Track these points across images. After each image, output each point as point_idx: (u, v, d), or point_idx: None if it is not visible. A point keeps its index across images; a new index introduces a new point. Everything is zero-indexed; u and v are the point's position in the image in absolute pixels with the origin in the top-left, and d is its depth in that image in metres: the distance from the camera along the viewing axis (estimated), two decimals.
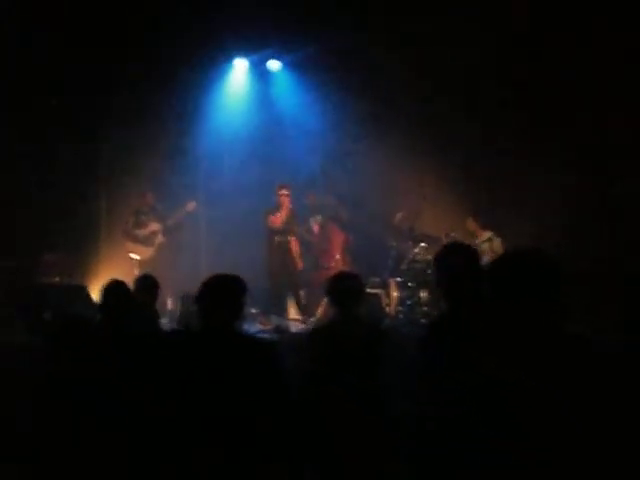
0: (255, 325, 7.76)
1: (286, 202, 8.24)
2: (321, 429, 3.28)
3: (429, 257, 8.26)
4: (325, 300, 6.87)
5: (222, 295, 3.18)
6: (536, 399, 2.03)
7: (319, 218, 8.82)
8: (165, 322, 7.62)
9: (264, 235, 8.50)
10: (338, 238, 8.78)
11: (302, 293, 8.56)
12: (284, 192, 8.25)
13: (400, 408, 3.12)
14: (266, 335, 7.02)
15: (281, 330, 7.47)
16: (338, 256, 8.72)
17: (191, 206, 8.94)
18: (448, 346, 2.62)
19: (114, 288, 4.07)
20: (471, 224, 8.34)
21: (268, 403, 2.96)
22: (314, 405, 3.37)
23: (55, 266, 8.60)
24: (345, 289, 4.02)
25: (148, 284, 5.19)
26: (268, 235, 8.40)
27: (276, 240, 8.34)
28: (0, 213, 8.42)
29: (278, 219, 8.27)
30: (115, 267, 8.39)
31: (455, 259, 3.11)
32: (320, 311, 7.75)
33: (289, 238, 8.40)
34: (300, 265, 8.55)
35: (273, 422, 2.90)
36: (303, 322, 8.04)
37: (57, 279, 8.44)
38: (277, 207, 8.30)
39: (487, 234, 8.15)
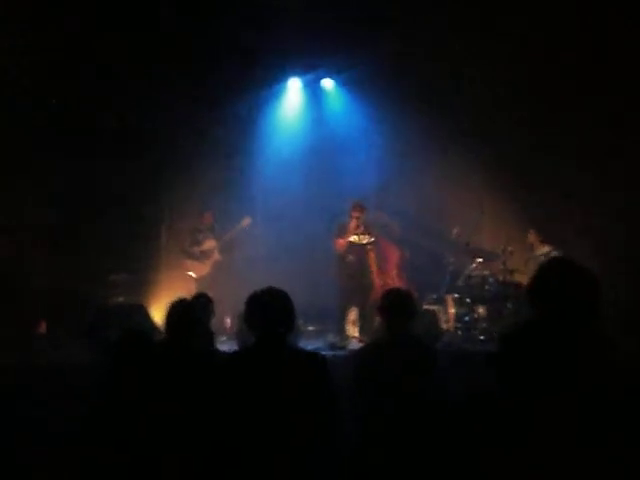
0: (311, 342, 7.78)
1: (354, 224, 8.05)
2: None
3: (486, 272, 8.19)
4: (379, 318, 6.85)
5: (270, 309, 3.21)
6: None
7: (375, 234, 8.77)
8: (223, 339, 7.74)
9: (322, 252, 8.51)
10: (393, 255, 8.74)
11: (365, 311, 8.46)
12: (355, 214, 8.06)
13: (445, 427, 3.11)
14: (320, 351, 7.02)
15: (335, 347, 7.48)
16: (394, 273, 8.69)
17: (246, 222, 9.08)
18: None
19: (181, 307, 4.14)
20: (532, 236, 8.22)
21: (318, 411, 2.98)
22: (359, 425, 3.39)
23: (119, 287, 8.86)
24: (395, 306, 4.02)
25: (202, 302, 5.27)
26: (338, 255, 8.24)
27: (348, 257, 8.14)
28: (66, 236, 8.73)
29: (342, 243, 8.10)
30: (174, 286, 8.56)
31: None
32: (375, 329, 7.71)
33: (363, 256, 8.15)
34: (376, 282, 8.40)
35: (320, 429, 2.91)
36: (361, 341, 8.00)
37: (121, 299, 8.69)
38: (344, 229, 8.13)
39: (546, 248, 8.01)
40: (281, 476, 2.88)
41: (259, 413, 2.98)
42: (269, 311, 3.21)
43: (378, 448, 3.44)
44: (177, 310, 4.20)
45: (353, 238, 8.06)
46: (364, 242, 8.06)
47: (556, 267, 2.54)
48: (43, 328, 8.01)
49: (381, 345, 3.94)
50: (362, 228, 8.12)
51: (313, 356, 3.32)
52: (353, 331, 8.22)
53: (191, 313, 4.24)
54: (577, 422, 2.07)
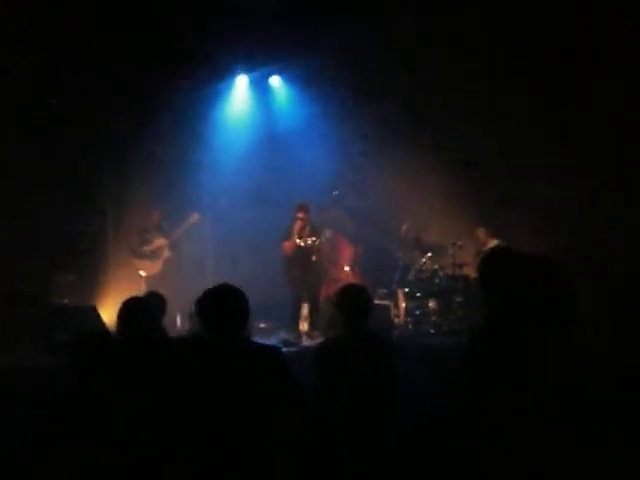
0: (263, 339, 7.74)
1: (298, 226, 8.03)
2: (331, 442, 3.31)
3: (436, 266, 8.30)
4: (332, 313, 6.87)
5: (224, 305, 3.16)
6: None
7: (327, 231, 8.79)
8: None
9: (270, 249, 8.48)
10: (347, 250, 8.79)
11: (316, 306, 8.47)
12: (299, 215, 8.03)
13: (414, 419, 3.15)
14: None
15: (289, 343, 7.48)
16: (347, 268, 8.74)
17: (194, 218, 9.01)
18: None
19: (136, 305, 4.05)
20: (481, 233, 8.33)
21: (281, 405, 2.96)
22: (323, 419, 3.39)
23: (64, 287, 8.65)
24: (353, 302, 4.03)
25: (155, 300, 5.19)
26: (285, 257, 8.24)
27: (295, 255, 8.13)
28: (7, 235, 8.47)
29: (289, 246, 8.08)
30: (123, 286, 8.42)
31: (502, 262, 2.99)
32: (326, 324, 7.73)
33: (310, 254, 8.14)
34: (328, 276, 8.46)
35: (285, 423, 2.89)
36: (313, 336, 8.01)
37: (66, 300, 8.49)
38: (290, 231, 8.10)
39: (494, 242, 8.16)
40: (249, 472, 2.85)
41: (220, 409, 2.94)
42: (224, 308, 3.16)
43: (340, 442, 3.46)
44: (131, 307, 4.11)
45: (298, 241, 8.04)
46: (309, 243, 8.04)
47: (499, 256, 2.58)
48: None
49: (341, 341, 3.95)
50: (307, 229, 8.11)
51: (270, 349, 3.30)
52: (305, 327, 8.25)
53: (147, 310, 4.16)
54: (531, 416, 2.11)
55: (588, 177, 7.77)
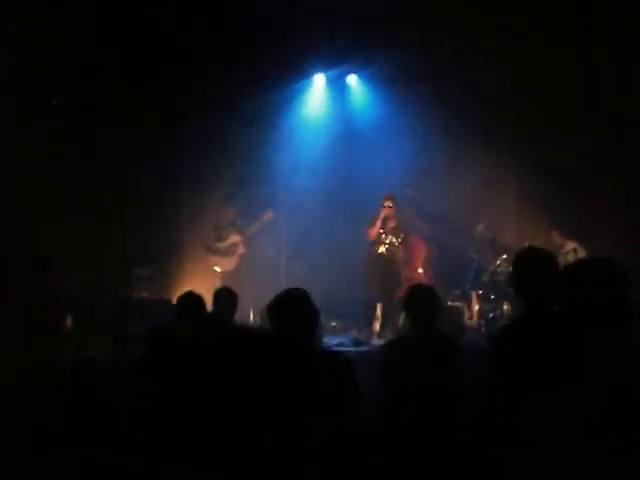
0: (335, 338, 7.76)
1: (385, 212, 8.16)
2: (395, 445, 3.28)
3: (511, 269, 8.10)
4: (403, 314, 6.83)
5: (289, 310, 3.19)
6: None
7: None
8: None
9: (345, 248, 8.50)
10: (421, 251, 8.71)
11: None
12: (386, 204, 8.16)
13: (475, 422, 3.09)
14: (344, 348, 7.02)
15: (360, 342, 7.46)
16: (421, 269, 8.66)
17: (268, 215, 9.09)
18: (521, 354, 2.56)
19: (188, 300, 4.14)
20: (556, 236, 8.14)
21: (341, 416, 2.94)
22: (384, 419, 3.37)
23: (143, 280, 8.91)
24: (421, 303, 4.00)
25: (225, 296, 5.26)
26: (369, 246, 8.32)
27: (376, 251, 8.25)
28: (90, 231, 8.78)
29: (373, 230, 8.20)
30: (199, 281, 8.58)
31: (533, 263, 3.03)
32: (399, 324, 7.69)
33: (392, 249, 8.25)
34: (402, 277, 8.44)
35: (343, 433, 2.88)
36: (384, 337, 7.97)
37: (145, 294, 8.73)
38: (376, 219, 8.23)
39: (572, 244, 7.93)
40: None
41: (281, 417, 2.95)
42: (290, 316, 3.18)
43: (403, 444, 3.43)
44: (184, 303, 4.19)
45: (381, 232, 8.13)
46: (392, 241, 8.16)
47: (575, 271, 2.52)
48: (68, 323, 8.08)
49: (407, 340, 3.92)
50: (393, 222, 8.17)
51: (337, 358, 3.28)
52: (377, 327, 8.22)
53: (198, 306, 4.21)
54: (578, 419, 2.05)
55: None
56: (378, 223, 8.17)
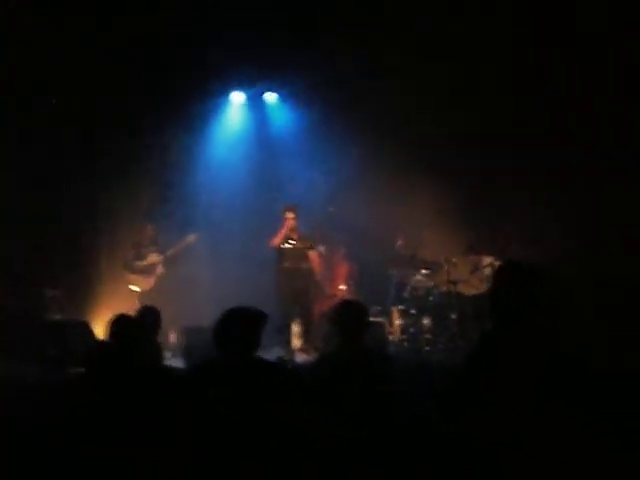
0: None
1: (288, 224, 8.09)
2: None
3: (431, 284, 8.29)
4: (328, 329, 6.84)
5: (241, 327, 3.29)
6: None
7: (322, 248, 8.77)
8: (169, 355, 7.58)
9: (266, 264, 8.45)
10: (342, 268, 8.79)
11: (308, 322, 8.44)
12: (288, 215, 8.09)
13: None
14: None
15: (284, 361, 7.42)
16: (342, 285, 8.73)
17: (191, 239, 8.97)
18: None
19: (123, 322, 4.05)
20: (472, 258, 8.31)
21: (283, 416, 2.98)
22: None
23: (56, 302, 8.61)
24: (350, 317, 4.02)
25: (149, 316, 5.15)
26: (276, 260, 8.21)
27: (285, 265, 8.16)
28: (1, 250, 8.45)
29: (276, 239, 8.09)
30: (116, 301, 8.37)
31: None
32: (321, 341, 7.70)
33: (301, 263, 8.19)
34: (314, 290, 8.45)
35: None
36: (307, 352, 7.97)
37: (58, 316, 8.43)
38: (279, 231, 8.16)
39: (488, 259, 8.15)
40: None
41: (228, 429, 2.95)
42: (242, 330, 3.30)
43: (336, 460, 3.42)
44: (119, 325, 4.10)
45: (289, 242, 8.08)
46: (301, 246, 8.12)
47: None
48: None
49: (337, 356, 3.93)
50: (297, 233, 8.14)
51: (279, 368, 3.33)
52: (298, 343, 8.21)
53: (133, 327, 4.16)
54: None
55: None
56: (282, 232, 8.07)
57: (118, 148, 9.24)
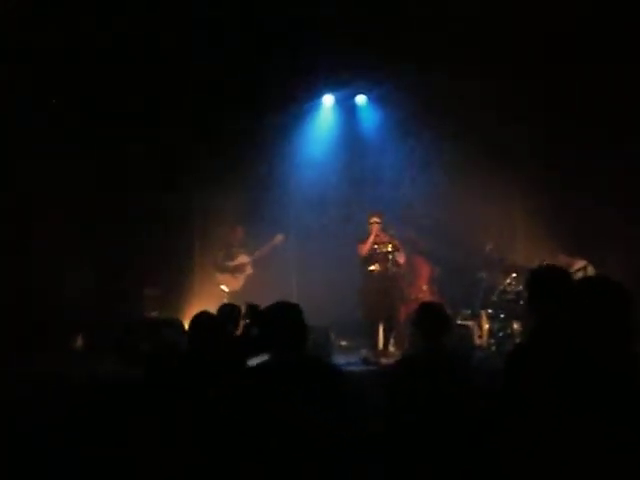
0: (344, 357, 7.74)
1: (375, 229, 8.14)
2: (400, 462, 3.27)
3: (520, 288, 8.10)
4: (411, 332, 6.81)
5: (281, 324, 3.15)
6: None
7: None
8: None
9: (355, 267, 8.50)
10: (424, 270, 8.74)
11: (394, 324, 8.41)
12: (374, 220, 8.17)
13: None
14: (353, 367, 7.02)
15: (369, 362, 7.45)
16: (425, 287, 8.67)
17: (279, 239, 9.13)
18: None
19: (202, 320, 4.16)
20: (563, 259, 8.09)
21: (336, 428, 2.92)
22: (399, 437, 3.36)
23: (154, 300, 8.97)
24: (431, 320, 4.01)
25: (230, 313, 5.22)
26: (363, 263, 8.23)
27: (371, 268, 8.18)
28: (101, 253, 8.88)
29: (365, 247, 8.14)
30: (207, 300, 8.61)
31: (548, 280, 3.06)
32: (407, 343, 7.68)
33: (387, 266, 8.18)
34: (400, 294, 8.42)
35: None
36: (392, 355, 7.96)
37: (155, 313, 8.79)
38: (367, 236, 8.20)
39: (581, 263, 7.91)
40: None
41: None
42: (279, 328, 3.14)
43: (411, 461, 3.42)
44: (198, 323, 4.20)
45: (376, 246, 8.11)
46: (387, 249, 8.12)
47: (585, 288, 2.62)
48: (80, 342, 8.14)
49: (417, 359, 3.92)
50: (383, 237, 8.16)
51: (324, 366, 3.25)
52: (386, 346, 8.20)
53: (213, 325, 4.22)
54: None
55: None
56: (370, 240, 8.12)
57: (213, 151, 9.50)
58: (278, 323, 3.15)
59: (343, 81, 9.58)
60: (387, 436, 3.48)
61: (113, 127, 8.84)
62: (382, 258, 8.16)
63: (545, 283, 3.06)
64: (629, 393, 2.15)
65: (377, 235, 8.15)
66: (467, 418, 3.48)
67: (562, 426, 2.16)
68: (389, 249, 8.16)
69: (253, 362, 3.40)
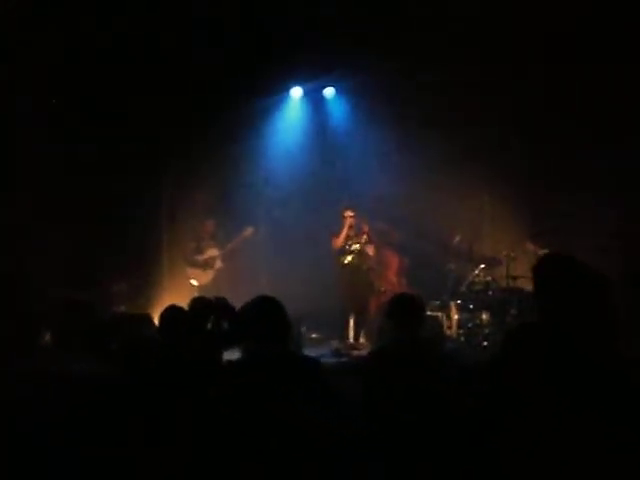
0: (315, 350, 7.76)
1: (348, 222, 8.35)
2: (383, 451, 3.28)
3: (489, 278, 8.20)
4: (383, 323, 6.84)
5: (264, 318, 3.17)
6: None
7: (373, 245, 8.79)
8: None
9: (324, 260, 8.57)
10: (393, 261, 8.80)
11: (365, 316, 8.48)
12: (347, 214, 8.40)
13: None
14: (325, 359, 7.03)
15: (340, 354, 7.48)
16: (394, 279, 8.73)
17: (249, 232, 9.11)
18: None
19: (174, 314, 4.13)
20: (529, 246, 8.21)
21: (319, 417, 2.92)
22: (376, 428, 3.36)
23: (122, 296, 8.86)
24: (405, 311, 4.02)
25: (203, 307, 5.19)
26: (336, 255, 8.48)
27: (344, 261, 8.40)
28: (68, 247, 8.71)
29: (338, 240, 8.36)
30: (177, 295, 8.53)
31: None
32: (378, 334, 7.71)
33: (359, 259, 8.42)
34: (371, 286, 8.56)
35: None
36: (363, 347, 8.02)
37: (123, 308, 8.67)
38: (340, 229, 8.42)
39: (546, 250, 8.00)
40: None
41: (229, 428, 2.91)
42: (260, 323, 3.16)
43: (391, 452, 3.43)
44: (167, 317, 4.18)
45: (348, 243, 8.31)
46: (360, 242, 8.36)
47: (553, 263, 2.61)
48: (47, 337, 7.98)
49: (391, 350, 3.93)
50: (354, 231, 8.37)
51: (306, 360, 3.27)
52: (354, 337, 8.28)
53: (182, 319, 4.20)
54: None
55: None
56: (344, 232, 8.35)
57: (181, 147, 9.43)
58: (262, 318, 3.16)
59: (312, 74, 9.56)
60: (367, 430, 3.48)
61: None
62: (354, 251, 8.26)
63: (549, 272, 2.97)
64: (624, 390, 2.16)
65: (350, 228, 8.29)
66: (447, 411, 3.51)
67: (553, 422, 2.17)
68: (362, 241, 8.27)
69: (231, 356, 3.38)
